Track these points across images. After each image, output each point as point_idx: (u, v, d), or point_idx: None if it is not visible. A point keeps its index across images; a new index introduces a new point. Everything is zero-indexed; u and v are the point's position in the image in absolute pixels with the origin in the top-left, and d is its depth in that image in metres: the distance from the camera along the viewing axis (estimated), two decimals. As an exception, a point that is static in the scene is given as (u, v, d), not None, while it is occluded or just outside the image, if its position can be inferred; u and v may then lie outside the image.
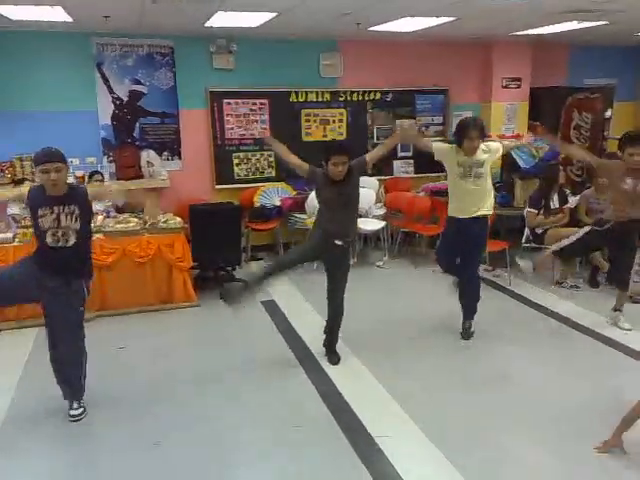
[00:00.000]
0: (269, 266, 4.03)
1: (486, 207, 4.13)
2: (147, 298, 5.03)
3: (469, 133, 3.96)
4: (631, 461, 2.90)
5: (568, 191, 6.24)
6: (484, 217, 4.14)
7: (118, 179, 6.25)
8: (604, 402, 2.99)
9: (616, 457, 2.93)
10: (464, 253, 4.25)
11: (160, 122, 6.54)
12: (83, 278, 3.35)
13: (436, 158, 4.25)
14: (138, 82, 6.39)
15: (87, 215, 3.33)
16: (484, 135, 4.02)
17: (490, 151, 4.11)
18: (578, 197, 5.98)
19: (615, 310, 4.60)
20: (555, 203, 5.66)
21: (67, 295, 3.26)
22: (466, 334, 4.39)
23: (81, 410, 3.40)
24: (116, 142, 6.39)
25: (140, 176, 6.33)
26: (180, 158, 6.65)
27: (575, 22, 5.81)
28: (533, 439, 3.12)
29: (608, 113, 7.38)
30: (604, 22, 5.81)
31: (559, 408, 3.43)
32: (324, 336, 4.16)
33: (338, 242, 3.82)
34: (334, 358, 4.08)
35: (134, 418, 3.39)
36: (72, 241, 3.23)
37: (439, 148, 4.23)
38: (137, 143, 6.46)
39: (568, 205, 5.88)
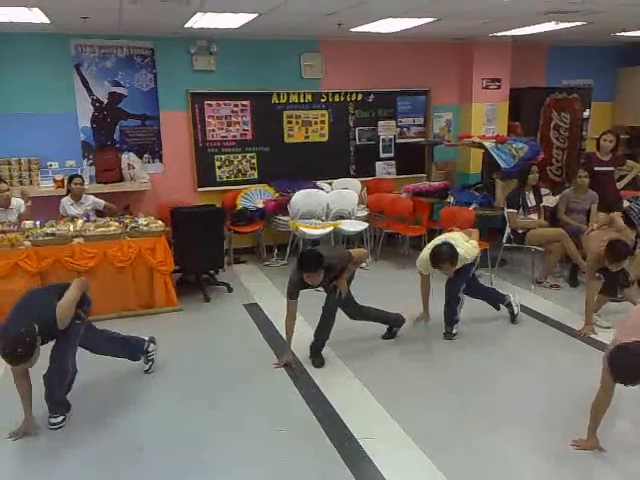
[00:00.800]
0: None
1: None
2: (128, 303, 4.98)
3: (440, 266, 4.19)
4: (608, 459, 2.95)
5: (547, 191, 6.32)
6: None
7: (98, 182, 6.18)
8: (584, 400, 3.04)
9: (596, 454, 2.98)
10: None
11: (141, 124, 6.48)
12: None
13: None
14: (118, 84, 6.33)
15: None
16: (454, 261, 4.17)
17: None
18: (558, 197, 6.06)
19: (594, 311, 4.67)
20: (531, 202, 5.73)
21: None
22: (446, 336, 4.50)
23: (61, 418, 3.36)
24: (96, 145, 6.32)
25: (121, 179, 6.27)
26: (161, 161, 6.60)
27: (553, 23, 5.88)
28: (516, 438, 3.15)
29: (586, 113, 7.48)
30: (582, 22, 5.88)
31: (540, 406, 3.47)
32: (313, 338, 4.16)
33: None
34: (318, 361, 4.08)
35: (116, 424, 3.35)
36: None
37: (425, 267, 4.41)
38: (117, 146, 6.39)
39: (546, 204, 5.96)
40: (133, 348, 3.93)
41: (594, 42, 7.70)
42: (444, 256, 4.14)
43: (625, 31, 6.68)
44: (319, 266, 3.73)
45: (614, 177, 6.07)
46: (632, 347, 2.56)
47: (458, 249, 4.18)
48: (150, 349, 3.99)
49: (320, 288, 4.08)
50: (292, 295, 3.94)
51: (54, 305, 3.20)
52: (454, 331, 4.48)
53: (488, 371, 3.98)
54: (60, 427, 3.33)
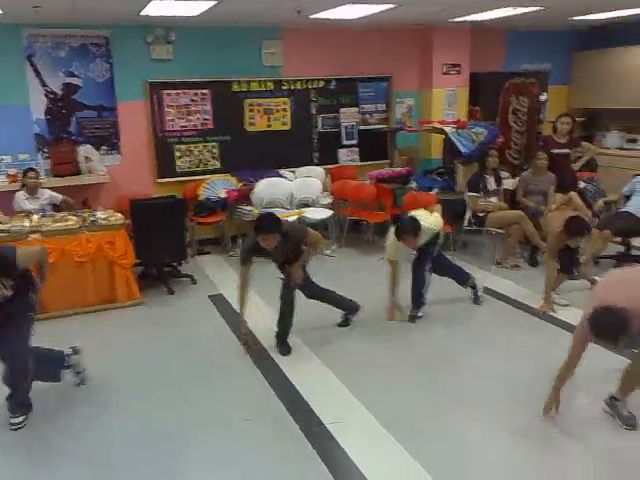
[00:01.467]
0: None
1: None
2: (89, 298, 4.87)
3: (404, 238, 4.22)
4: (573, 433, 3.05)
5: (507, 174, 6.42)
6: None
7: (54, 176, 6.02)
8: (547, 376, 3.13)
9: (561, 429, 3.07)
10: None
11: (97, 116, 6.32)
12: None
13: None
14: (72, 74, 6.15)
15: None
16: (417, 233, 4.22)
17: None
18: (517, 179, 6.17)
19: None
20: (492, 185, 5.83)
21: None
22: (411, 319, 4.56)
23: (22, 418, 3.28)
24: (51, 137, 6.14)
25: (77, 172, 6.11)
26: (119, 152, 6.45)
27: (511, 8, 5.94)
28: (481, 417, 3.22)
29: (543, 97, 7.61)
30: (539, 7, 5.96)
31: (505, 385, 3.55)
32: (276, 328, 4.15)
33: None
34: (284, 349, 4.09)
35: (84, 424, 3.29)
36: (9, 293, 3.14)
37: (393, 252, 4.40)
38: (73, 138, 6.22)
39: (506, 187, 6.06)
40: (49, 367, 3.53)
41: (551, 27, 7.82)
42: (408, 228, 4.19)
43: (581, 15, 6.79)
44: (275, 228, 3.74)
45: (570, 159, 6.21)
46: (614, 308, 2.68)
47: (422, 222, 4.23)
48: (72, 362, 3.62)
49: (282, 275, 4.08)
50: (244, 261, 3.94)
51: (14, 249, 3.18)
52: (420, 314, 4.54)
53: (452, 351, 4.05)
54: (20, 427, 3.25)
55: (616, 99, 7.82)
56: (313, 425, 3.17)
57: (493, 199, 5.83)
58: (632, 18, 7.04)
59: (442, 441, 3.03)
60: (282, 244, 3.84)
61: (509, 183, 6.25)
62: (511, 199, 6.04)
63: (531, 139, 7.45)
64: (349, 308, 4.49)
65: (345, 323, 4.51)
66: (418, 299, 4.55)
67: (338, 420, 3.20)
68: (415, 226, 4.20)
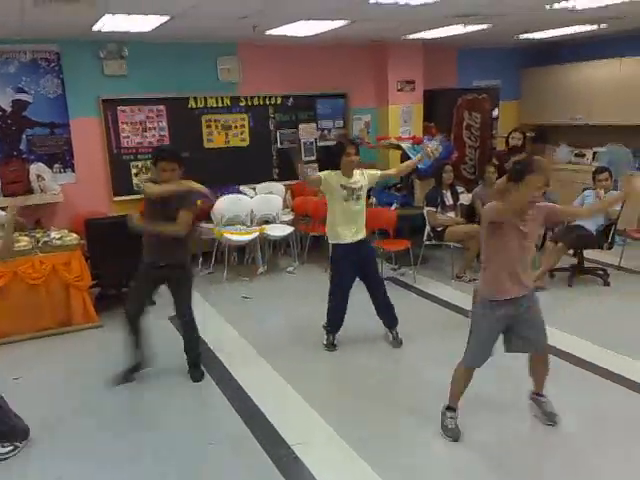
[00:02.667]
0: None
1: (364, 231, 4.28)
2: (43, 322, 4.71)
3: (347, 149, 4.08)
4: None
5: (462, 189, 6.57)
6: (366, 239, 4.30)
7: (5, 196, 5.79)
8: (511, 387, 3.21)
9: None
10: (366, 275, 4.31)
11: (49, 133, 6.14)
12: None
13: (323, 187, 4.21)
14: (22, 90, 5.96)
15: None
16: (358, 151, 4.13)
17: (366, 177, 4.23)
18: (471, 194, 6.32)
19: None
20: (449, 200, 5.95)
21: None
22: (397, 342, 4.42)
23: (10, 448, 3.12)
24: (0, 156, 5.92)
25: (29, 191, 5.90)
26: (73, 170, 6.28)
27: (461, 26, 6.12)
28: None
29: (495, 112, 7.85)
30: (487, 25, 6.17)
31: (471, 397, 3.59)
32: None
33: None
34: (197, 374, 3.97)
35: (36, 455, 3.15)
36: None
37: (325, 175, 4.21)
38: (24, 156, 6.02)
39: (462, 202, 6.19)
40: None
41: (500, 44, 8.10)
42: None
43: (527, 32, 7.06)
44: (177, 156, 3.82)
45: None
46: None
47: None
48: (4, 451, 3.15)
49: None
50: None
51: None
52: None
53: (415, 366, 4.08)
54: (5, 458, 3.07)
55: (563, 115, 8.15)
56: (277, 446, 3.13)
57: (451, 214, 5.95)
58: (575, 36, 7.36)
59: (405, 455, 3.04)
60: (173, 199, 3.67)
61: (464, 198, 6.39)
62: (467, 213, 6.17)
63: (484, 154, 7.66)
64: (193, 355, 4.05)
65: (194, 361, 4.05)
66: (394, 314, 4.44)
67: (303, 440, 3.17)
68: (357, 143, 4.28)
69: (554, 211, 3.10)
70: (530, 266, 3.07)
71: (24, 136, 6.04)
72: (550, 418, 3.26)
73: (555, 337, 4.35)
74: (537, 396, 3.34)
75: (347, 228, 4.14)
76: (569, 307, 5.09)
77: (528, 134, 7.13)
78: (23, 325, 4.61)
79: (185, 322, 3.98)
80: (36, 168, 5.99)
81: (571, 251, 5.69)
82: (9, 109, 5.94)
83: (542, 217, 3.01)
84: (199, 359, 4.02)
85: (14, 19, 4.80)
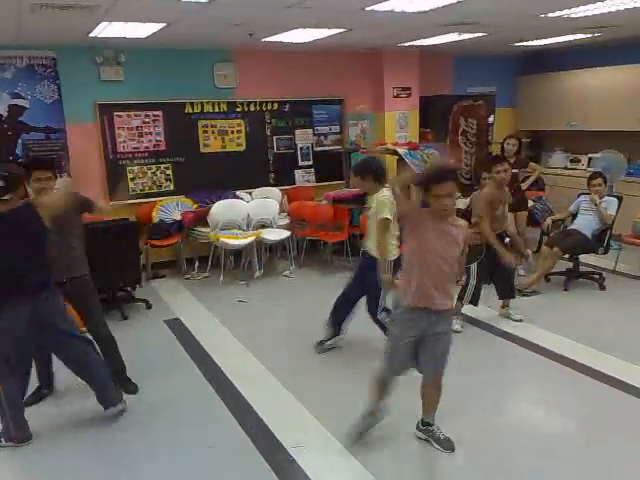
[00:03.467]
0: None
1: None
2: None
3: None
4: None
5: (458, 193, 6.57)
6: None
7: (0, 200, 5.78)
8: (500, 390, 3.19)
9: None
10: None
11: (45, 138, 6.13)
12: None
13: None
14: (18, 96, 5.96)
15: None
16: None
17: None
18: (468, 199, 6.33)
19: (503, 307, 4.91)
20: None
21: None
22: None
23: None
24: (-3, 160, 5.92)
25: (26, 195, 5.88)
26: (69, 175, 6.28)
27: (456, 34, 6.17)
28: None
29: (491, 118, 7.89)
30: (482, 34, 6.21)
31: (459, 402, 3.59)
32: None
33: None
34: (132, 387, 3.82)
35: (43, 463, 3.12)
36: None
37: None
38: (20, 161, 6.01)
39: (459, 207, 6.19)
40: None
41: (496, 52, 8.15)
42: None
43: (522, 41, 7.11)
44: (51, 165, 3.59)
45: (518, 178, 6.43)
46: None
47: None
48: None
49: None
50: None
51: None
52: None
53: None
54: None
55: (559, 121, 8.19)
56: (275, 450, 3.11)
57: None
58: (571, 43, 7.42)
59: (403, 460, 3.03)
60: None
61: (460, 203, 6.40)
62: (463, 218, 6.16)
63: (480, 160, 7.68)
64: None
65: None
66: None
67: (300, 444, 3.15)
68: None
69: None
70: (447, 288, 2.84)
71: (20, 141, 6.03)
72: (446, 446, 3.05)
73: (549, 340, 4.41)
74: (428, 426, 3.13)
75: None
76: (564, 310, 5.10)
77: (523, 140, 7.16)
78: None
79: (103, 336, 3.72)
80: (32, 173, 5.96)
81: (567, 255, 5.70)
82: (5, 114, 5.94)
83: (462, 238, 2.82)
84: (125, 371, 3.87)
85: (11, 25, 4.81)
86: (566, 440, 3.16)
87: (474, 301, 4.67)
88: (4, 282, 3.02)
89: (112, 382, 3.50)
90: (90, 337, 3.60)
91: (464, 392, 3.63)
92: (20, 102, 5.99)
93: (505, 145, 6.37)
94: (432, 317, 2.85)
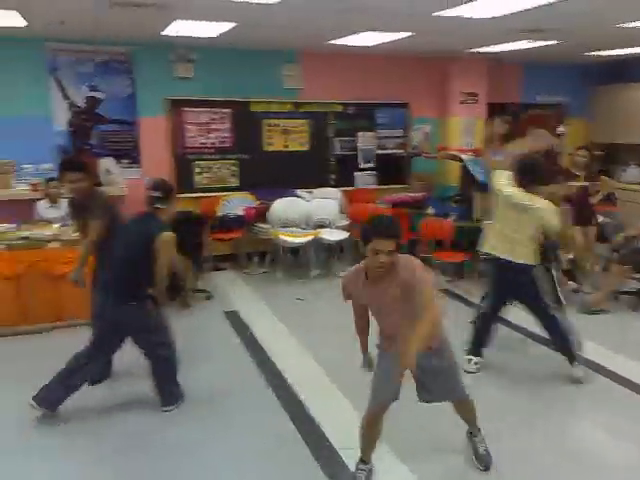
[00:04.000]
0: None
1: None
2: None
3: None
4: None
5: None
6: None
7: (74, 187, 6.06)
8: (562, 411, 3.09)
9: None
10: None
11: (119, 129, 6.40)
12: None
13: None
14: (95, 89, 6.24)
15: None
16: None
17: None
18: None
19: None
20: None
21: None
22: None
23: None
24: (72, 149, 6.20)
25: (98, 184, 6.14)
26: (139, 166, 6.51)
27: (527, 41, 6.02)
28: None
29: (561, 129, 7.64)
30: (556, 41, 6.04)
31: (520, 421, 3.49)
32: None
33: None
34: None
35: (87, 442, 3.25)
36: None
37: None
38: (95, 150, 6.29)
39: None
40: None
41: (568, 60, 7.91)
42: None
43: (599, 50, 6.87)
44: (81, 167, 3.65)
45: (588, 192, 6.19)
46: None
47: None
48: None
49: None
50: None
51: None
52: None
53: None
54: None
55: (635, 134, 7.85)
56: (325, 451, 3.12)
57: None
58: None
59: (450, 464, 2.98)
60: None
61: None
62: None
63: (548, 170, 7.44)
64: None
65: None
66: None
67: (350, 446, 3.13)
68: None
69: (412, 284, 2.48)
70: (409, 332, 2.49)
71: (95, 131, 6.31)
72: (481, 462, 2.93)
73: (613, 361, 4.21)
74: (470, 435, 3.03)
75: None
76: (631, 331, 4.88)
77: (595, 152, 6.90)
78: (88, 310, 4.77)
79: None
80: (105, 162, 6.24)
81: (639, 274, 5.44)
82: (83, 105, 6.23)
83: (401, 287, 2.50)
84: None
85: (90, 22, 5.04)
86: (625, 466, 3.03)
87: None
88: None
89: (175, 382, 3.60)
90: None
91: (524, 411, 3.55)
92: (97, 94, 6.27)
93: (575, 157, 6.15)
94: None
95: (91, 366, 3.43)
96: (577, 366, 3.85)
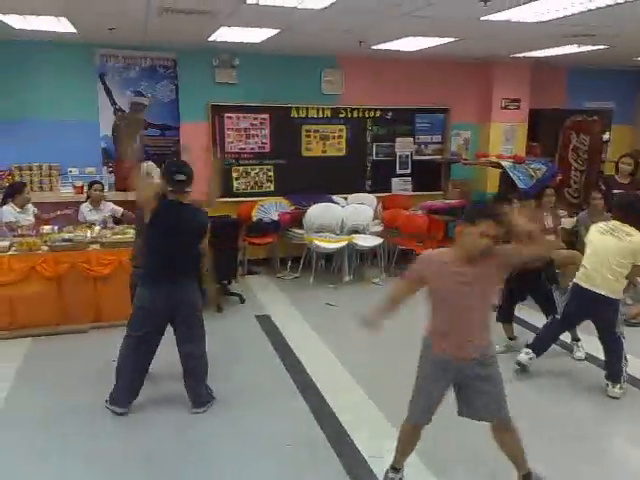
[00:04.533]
0: None
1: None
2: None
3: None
4: None
5: (564, 212, 6.27)
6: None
7: (117, 190, 6.26)
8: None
9: None
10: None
11: (161, 134, 6.57)
12: None
13: None
14: (140, 94, 6.43)
15: None
16: None
17: None
18: (574, 219, 6.01)
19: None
20: (549, 223, 5.67)
21: None
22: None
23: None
24: (116, 153, 6.41)
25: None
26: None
27: (575, 46, 5.87)
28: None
29: (606, 136, 7.42)
30: (603, 46, 5.87)
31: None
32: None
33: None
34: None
35: (127, 438, 3.35)
36: None
37: None
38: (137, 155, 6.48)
39: (564, 226, 5.90)
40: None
41: (616, 65, 7.67)
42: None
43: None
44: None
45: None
46: None
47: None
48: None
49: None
50: None
51: None
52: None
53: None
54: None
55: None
56: (352, 457, 3.12)
57: (550, 237, 5.67)
58: None
59: (472, 473, 2.93)
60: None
61: (566, 222, 6.09)
62: (569, 239, 5.87)
63: (591, 178, 7.26)
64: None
65: None
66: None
67: (379, 455, 3.13)
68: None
69: (507, 254, 2.48)
70: (485, 330, 2.58)
71: (138, 136, 6.49)
72: None
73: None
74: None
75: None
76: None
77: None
78: (126, 312, 4.88)
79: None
80: (146, 166, 6.38)
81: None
82: (127, 110, 6.42)
83: (495, 271, 2.50)
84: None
85: (139, 28, 5.20)
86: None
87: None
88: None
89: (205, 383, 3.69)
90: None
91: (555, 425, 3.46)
92: (141, 100, 6.45)
93: (620, 164, 5.97)
94: (461, 364, 2.56)
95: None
96: (617, 387, 3.82)
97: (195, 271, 3.56)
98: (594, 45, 5.84)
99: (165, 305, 3.42)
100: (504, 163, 6.42)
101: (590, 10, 4.14)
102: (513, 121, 7.42)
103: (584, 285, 3.86)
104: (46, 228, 5.08)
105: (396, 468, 2.82)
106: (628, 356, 4.00)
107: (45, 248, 4.79)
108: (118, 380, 3.54)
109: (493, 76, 7.30)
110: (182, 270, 3.45)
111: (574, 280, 3.99)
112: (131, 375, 3.52)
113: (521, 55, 6.63)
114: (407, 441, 2.76)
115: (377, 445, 3.23)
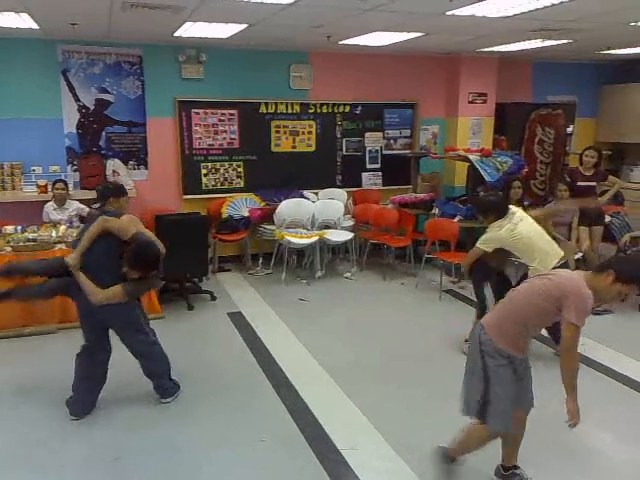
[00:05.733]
0: None
1: None
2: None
3: None
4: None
5: (527, 203, 6.39)
6: None
7: (82, 188, 6.13)
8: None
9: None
10: None
11: (127, 131, 6.45)
12: None
13: None
14: (105, 90, 6.30)
15: None
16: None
17: None
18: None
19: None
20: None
21: None
22: None
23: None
24: (81, 151, 6.28)
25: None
26: (147, 168, 6.57)
27: (539, 40, 5.97)
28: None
29: (570, 129, 7.58)
30: (567, 40, 5.99)
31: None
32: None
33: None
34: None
35: (89, 432, 3.30)
36: None
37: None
38: (103, 152, 6.35)
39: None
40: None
41: (579, 59, 7.83)
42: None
43: (610, 49, 6.80)
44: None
45: (596, 192, 6.15)
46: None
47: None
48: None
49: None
50: None
51: None
52: None
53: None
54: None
55: (644, 134, 7.77)
56: (327, 450, 3.14)
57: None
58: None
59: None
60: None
61: (533, 213, 6.20)
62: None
63: (556, 170, 7.41)
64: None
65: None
66: None
67: (353, 446, 3.16)
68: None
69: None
70: None
71: (104, 133, 6.37)
72: None
73: (622, 363, 4.19)
74: (514, 470, 2.86)
75: None
76: (636, 332, 4.84)
77: (603, 152, 6.84)
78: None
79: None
80: (112, 164, 6.30)
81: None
82: (92, 107, 6.29)
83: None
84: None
85: (102, 24, 5.10)
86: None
87: None
88: None
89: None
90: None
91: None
92: (106, 96, 6.32)
93: (584, 157, 6.10)
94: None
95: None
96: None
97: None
98: (558, 39, 5.95)
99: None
100: (471, 157, 6.49)
101: (554, 5, 4.21)
102: (480, 115, 7.51)
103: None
104: (9, 228, 4.95)
105: (516, 466, 2.86)
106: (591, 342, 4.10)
107: (8, 249, 4.67)
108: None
109: (460, 71, 7.38)
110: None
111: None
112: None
113: (487, 50, 6.72)
114: (476, 445, 2.77)
115: (352, 438, 3.25)
